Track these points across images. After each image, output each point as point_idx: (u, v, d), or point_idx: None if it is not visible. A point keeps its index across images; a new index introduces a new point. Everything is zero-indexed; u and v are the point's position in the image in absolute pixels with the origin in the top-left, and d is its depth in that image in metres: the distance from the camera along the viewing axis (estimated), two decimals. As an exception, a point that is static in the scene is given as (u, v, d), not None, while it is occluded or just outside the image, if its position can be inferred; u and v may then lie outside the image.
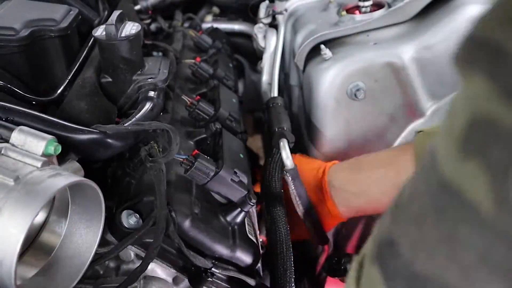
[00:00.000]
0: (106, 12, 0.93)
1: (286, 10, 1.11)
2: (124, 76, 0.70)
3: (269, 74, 1.08)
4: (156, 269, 0.63)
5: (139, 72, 0.72)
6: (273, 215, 0.76)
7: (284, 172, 0.78)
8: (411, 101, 0.86)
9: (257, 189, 0.85)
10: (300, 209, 0.77)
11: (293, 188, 0.76)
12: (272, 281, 0.71)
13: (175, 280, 0.64)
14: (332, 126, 0.88)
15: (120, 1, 1.07)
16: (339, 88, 0.87)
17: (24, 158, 0.48)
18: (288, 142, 0.80)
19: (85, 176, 0.52)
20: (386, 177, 0.70)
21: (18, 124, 0.53)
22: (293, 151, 0.81)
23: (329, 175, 0.77)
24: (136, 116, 0.64)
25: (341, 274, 0.72)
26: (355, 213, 0.77)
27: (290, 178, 0.77)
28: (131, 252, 0.62)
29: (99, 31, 0.68)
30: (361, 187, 0.73)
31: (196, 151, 0.66)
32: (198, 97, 0.84)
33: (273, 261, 0.71)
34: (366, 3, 0.95)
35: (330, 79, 0.87)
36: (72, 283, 0.51)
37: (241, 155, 0.76)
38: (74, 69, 0.70)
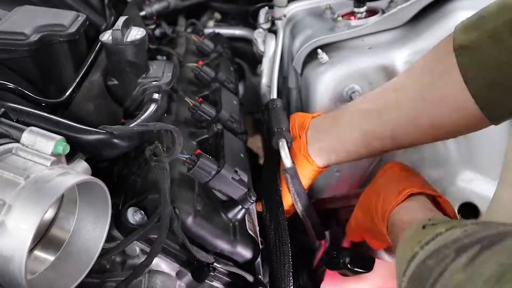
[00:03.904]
0: (112, 18, 0.93)
1: (284, 16, 1.12)
2: (129, 79, 0.71)
3: (268, 77, 1.10)
4: (160, 263, 0.64)
5: (144, 75, 0.72)
6: (271, 212, 0.77)
7: (283, 171, 0.79)
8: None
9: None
10: (298, 207, 0.78)
11: (291, 186, 0.77)
12: (271, 275, 0.72)
13: (179, 274, 0.65)
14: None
15: (126, 7, 1.09)
16: (335, 90, 0.89)
17: (34, 157, 0.49)
18: (287, 142, 0.81)
19: (92, 175, 0.52)
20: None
21: (28, 125, 0.53)
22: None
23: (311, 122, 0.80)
24: (141, 117, 0.65)
25: (339, 267, 0.73)
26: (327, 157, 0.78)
27: (288, 176, 0.78)
28: (136, 247, 0.63)
29: (106, 36, 0.69)
30: (336, 131, 0.76)
31: (198, 150, 0.67)
32: (201, 99, 0.84)
33: (272, 256, 0.72)
34: (361, 9, 0.97)
35: (326, 82, 0.89)
36: (80, 277, 0.51)
37: (242, 155, 0.77)
38: (82, 73, 0.71)
